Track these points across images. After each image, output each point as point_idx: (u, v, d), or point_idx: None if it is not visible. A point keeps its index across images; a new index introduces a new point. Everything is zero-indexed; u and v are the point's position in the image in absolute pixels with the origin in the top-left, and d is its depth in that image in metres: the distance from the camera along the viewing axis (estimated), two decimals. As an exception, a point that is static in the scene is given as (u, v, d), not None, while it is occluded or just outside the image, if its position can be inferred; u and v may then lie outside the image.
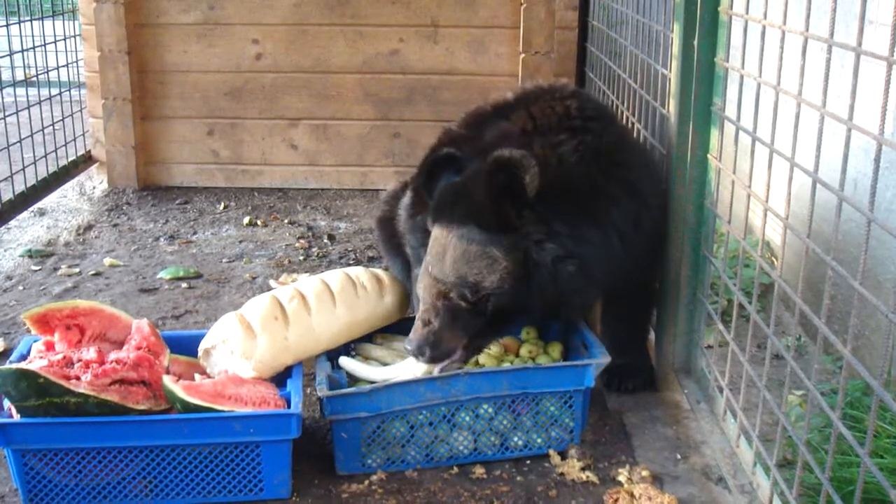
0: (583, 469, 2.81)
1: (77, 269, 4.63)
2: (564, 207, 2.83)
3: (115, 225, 5.35)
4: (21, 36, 5.65)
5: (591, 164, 2.95)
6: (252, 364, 2.83)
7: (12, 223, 5.24)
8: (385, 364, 3.08)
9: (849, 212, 2.08)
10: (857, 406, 2.92)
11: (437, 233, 2.93)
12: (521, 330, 3.25)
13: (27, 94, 5.54)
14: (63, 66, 6.10)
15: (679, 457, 2.90)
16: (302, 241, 5.08)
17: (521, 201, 2.76)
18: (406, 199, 3.29)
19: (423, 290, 2.95)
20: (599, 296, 3.21)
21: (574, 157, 2.94)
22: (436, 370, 2.87)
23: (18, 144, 5.25)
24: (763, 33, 2.52)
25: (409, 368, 2.95)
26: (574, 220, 2.85)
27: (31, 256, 4.80)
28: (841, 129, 2.00)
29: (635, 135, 3.89)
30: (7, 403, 2.62)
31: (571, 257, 2.82)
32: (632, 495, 2.64)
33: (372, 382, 2.96)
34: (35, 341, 2.92)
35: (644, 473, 2.77)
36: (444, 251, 2.86)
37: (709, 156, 3.01)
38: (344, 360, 3.05)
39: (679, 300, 3.18)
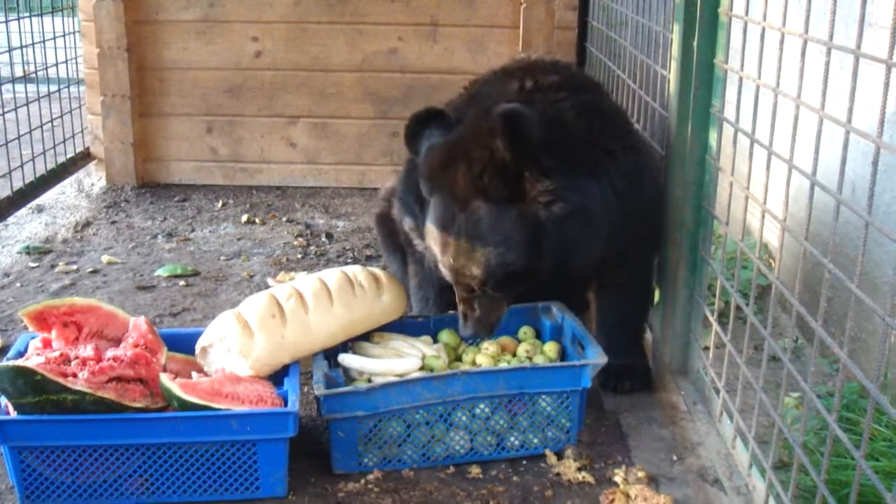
0: (579, 469, 2.82)
1: (75, 267, 4.62)
2: (565, 162, 2.85)
3: (113, 222, 5.35)
4: (20, 32, 5.64)
5: (588, 121, 3.00)
6: (249, 362, 2.83)
7: (10, 220, 5.24)
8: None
9: (847, 214, 2.08)
10: (854, 409, 2.92)
11: (437, 207, 2.93)
12: (517, 329, 3.26)
13: (26, 90, 5.53)
14: (62, 62, 6.10)
15: (675, 458, 2.91)
16: (300, 239, 5.08)
17: (526, 158, 2.76)
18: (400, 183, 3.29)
19: (451, 277, 3.00)
20: (604, 253, 3.14)
21: (572, 113, 2.99)
22: None
23: (17, 141, 5.24)
24: (762, 35, 2.52)
25: (410, 362, 2.98)
26: (576, 174, 2.87)
27: (28, 253, 4.80)
28: (839, 132, 2.00)
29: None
30: (4, 400, 2.62)
31: (576, 213, 2.85)
32: (627, 496, 2.64)
33: (375, 374, 2.98)
34: (32, 338, 2.92)
35: (640, 474, 2.77)
36: (457, 238, 2.87)
37: (707, 157, 3.01)
38: (344, 357, 3.05)
39: (676, 301, 3.18)
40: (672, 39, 3.18)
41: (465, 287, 2.98)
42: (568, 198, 2.82)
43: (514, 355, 3.16)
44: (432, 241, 2.99)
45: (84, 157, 6.08)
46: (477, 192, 2.82)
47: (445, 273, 3.02)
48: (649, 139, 3.61)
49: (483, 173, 2.79)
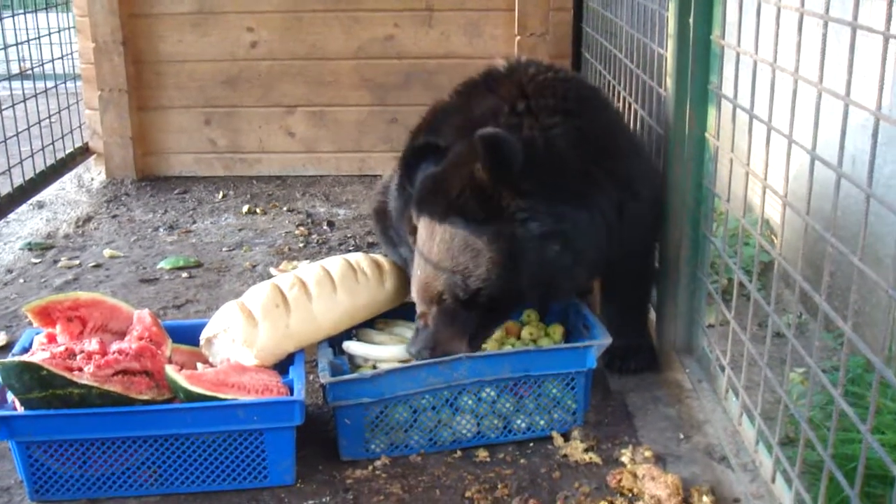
0: (586, 450, 2.82)
1: (77, 261, 4.63)
2: (549, 189, 2.81)
3: (114, 216, 5.35)
4: (15, 29, 5.63)
5: (578, 149, 2.93)
6: (254, 352, 2.84)
7: (11, 216, 5.24)
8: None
9: (847, 188, 2.08)
10: (859, 383, 2.92)
11: (421, 229, 2.93)
12: (521, 313, 3.26)
13: (23, 87, 5.52)
14: (58, 58, 6.08)
15: (681, 436, 2.91)
16: (301, 228, 5.08)
17: (505, 182, 2.75)
18: (393, 182, 3.28)
19: (415, 292, 2.96)
20: (590, 278, 3.20)
21: (562, 141, 2.92)
22: None
23: (15, 138, 5.23)
24: (759, 9, 2.51)
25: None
26: (558, 199, 2.83)
27: (30, 249, 4.80)
28: (838, 105, 2.00)
29: (632, 115, 3.88)
30: (10, 396, 2.63)
31: (556, 235, 2.80)
32: (635, 475, 2.65)
33: (379, 361, 2.99)
34: (37, 334, 2.92)
35: (647, 454, 2.78)
36: (430, 250, 2.86)
37: (706, 134, 3.00)
38: (348, 344, 3.06)
39: (679, 280, 3.18)
40: (668, 17, 3.16)
41: (426, 301, 2.91)
42: (544, 219, 2.78)
43: (519, 338, 3.16)
44: (415, 259, 2.99)
45: (83, 152, 6.08)
46: (454, 211, 2.82)
47: (413, 288, 2.98)
48: (650, 119, 3.60)
49: (461, 193, 2.79)
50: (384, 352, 3.02)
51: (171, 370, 2.63)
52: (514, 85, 3.09)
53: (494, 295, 2.84)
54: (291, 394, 2.71)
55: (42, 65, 5.82)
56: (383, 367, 2.91)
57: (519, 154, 2.70)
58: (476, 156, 2.74)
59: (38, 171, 5.42)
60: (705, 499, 2.53)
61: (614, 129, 3.22)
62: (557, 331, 3.17)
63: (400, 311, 3.25)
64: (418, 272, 2.93)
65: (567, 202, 2.84)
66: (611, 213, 2.96)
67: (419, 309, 2.95)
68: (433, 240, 2.86)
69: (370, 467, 2.78)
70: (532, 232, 2.78)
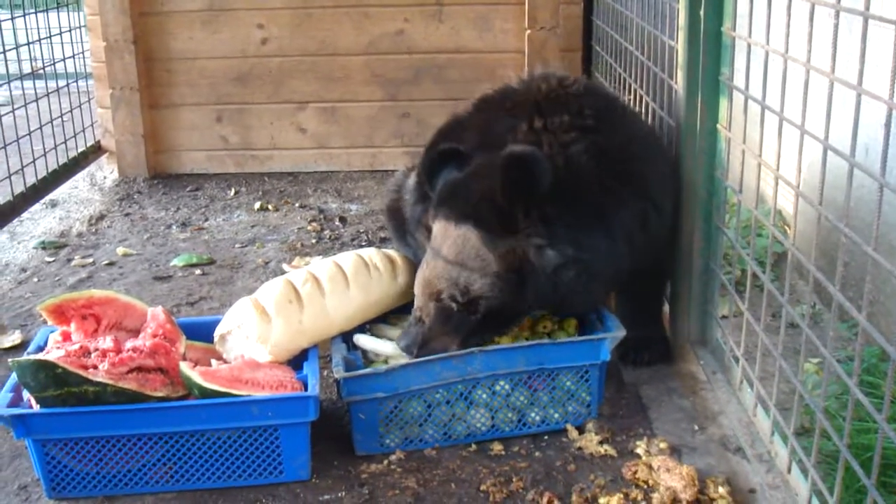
0: (601, 443, 2.82)
1: (91, 260, 4.64)
2: (570, 210, 2.80)
3: (126, 214, 5.37)
4: (26, 28, 5.64)
5: (599, 166, 2.91)
6: (268, 348, 2.84)
7: (25, 215, 5.26)
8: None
9: (861, 178, 2.07)
10: (874, 372, 2.92)
11: (436, 230, 2.93)
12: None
13: (35, 86, 5.53)
14: (69, 57, 6.10)
15: (696, 428, 2.91)
16: (314, 224, 5.08)
17: (529, 201, 2.74)
18: (410, 183, 3.28)
19: (417, 287, 2.96)
20: (606, 294, 3.19)
21: (583, 159, 2.90)
22: None
23: (28, 137, 5.25)
24: (769, 0, 2.50)
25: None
26: (579, 224, 2.81)
27: (44, 248, 4.82)
28: (851, 95, 1.99)
29: (644, 108, 3.87)
30: (27, 394, 2.64)
31: (574, 262, 2.80)
32: (650, 467, 2.64)
33: (389, 357, 2.99)
34: (52, 332, 2.93)
35: (662, 445, 2.78)
36: (440, 249, 2.86)
37: (718, 126, 2.99)
38: (359, 337, 3.06)
39: (693, 271, 3.17)
40: (678, 9, 3.16)
41: (425, 297, 2.92)
42: (562, 247, 2.78)
43: (533, 331, 3.15)
44: (425, 256, 2.99)
45: (95, 151, 6.10)
46: (470, 218, 2.82)
47: (416, 283, 2.98)
48: (661, 111, 3.59)
49: (480, 202, 2.80)
50: (393, 348, 3.02)
51: (185, 367, 2.64)
52: (529, 102, 3.08)
53: (494, 306, 2.84)
54: (306, 389, 2.72)
55: (53, 64, 5.83)
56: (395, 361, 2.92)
57: (548, 174, 2.70)
58: (496, 170, 2.73)
59: (50, 170, 5.44)
60: (721, 490, 2.53)
61: (633, 140, 3.15)
62: (571, 324, 3.16)
63: (412, 306, 3.25)
64: (425, 267, 2.93)
65: (587, 225, 2.83)
66: (632, 227, 2.95)
67: (417, 303, 2.96)
68: (445, 241, 2.86)
69: (385, 462, 2.78)
70: (549, 260, 2.78)
